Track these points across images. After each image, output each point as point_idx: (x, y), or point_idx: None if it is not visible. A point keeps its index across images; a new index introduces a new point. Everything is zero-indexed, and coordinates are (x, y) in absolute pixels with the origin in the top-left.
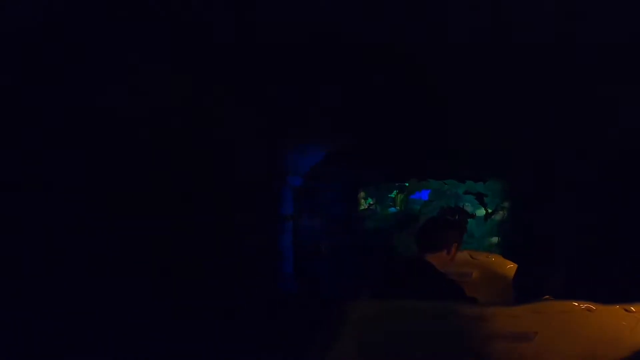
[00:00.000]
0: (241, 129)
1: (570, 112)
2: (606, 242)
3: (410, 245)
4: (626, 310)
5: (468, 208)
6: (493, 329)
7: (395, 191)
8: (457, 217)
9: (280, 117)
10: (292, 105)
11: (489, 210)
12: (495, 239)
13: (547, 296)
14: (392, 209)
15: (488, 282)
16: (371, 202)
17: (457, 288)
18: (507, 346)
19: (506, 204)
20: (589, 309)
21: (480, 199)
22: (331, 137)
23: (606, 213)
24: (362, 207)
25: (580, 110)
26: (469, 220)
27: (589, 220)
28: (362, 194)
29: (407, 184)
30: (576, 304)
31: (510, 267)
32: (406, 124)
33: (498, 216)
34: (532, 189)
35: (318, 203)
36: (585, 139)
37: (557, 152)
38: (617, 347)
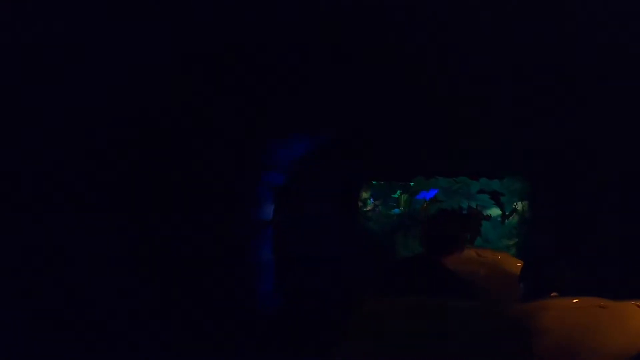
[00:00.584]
0: (213, 117)
1: (589, 109)
2: (618, 238)
3: (414, 247)
4: (638, 306)
5: (481, 208)
6: (505, 326)
7: (399, 191)
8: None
9: (265, 103)
10: (278, 90)
11: (506, 212)
12: (512, 242)
13: (554, 293)
14: (396, 210)
15: (495, 279)
16: (374, 203)
17: (470, 287)
18: (521, 343)
19: (525, 204)
20: (601, 306)
21: (496, 198)
22: (324, 128)
23: (618, 210)
24: (364, 208)
25: (600, 107)
26: (483, 222)
27: (601, 217)
28: (363, 194)
29: (412, 183)
30: (590, 300)
31: (518, 264)
32: (411, 114)
33: (516, 217)
34: (551, 186)
35: (307, 206)
36: (602, 135)
37: (574, 149)
38: (630, 343)
